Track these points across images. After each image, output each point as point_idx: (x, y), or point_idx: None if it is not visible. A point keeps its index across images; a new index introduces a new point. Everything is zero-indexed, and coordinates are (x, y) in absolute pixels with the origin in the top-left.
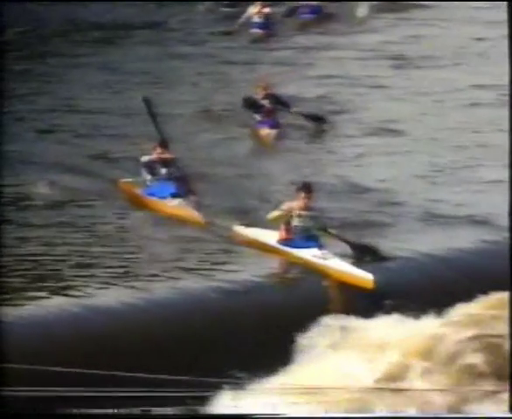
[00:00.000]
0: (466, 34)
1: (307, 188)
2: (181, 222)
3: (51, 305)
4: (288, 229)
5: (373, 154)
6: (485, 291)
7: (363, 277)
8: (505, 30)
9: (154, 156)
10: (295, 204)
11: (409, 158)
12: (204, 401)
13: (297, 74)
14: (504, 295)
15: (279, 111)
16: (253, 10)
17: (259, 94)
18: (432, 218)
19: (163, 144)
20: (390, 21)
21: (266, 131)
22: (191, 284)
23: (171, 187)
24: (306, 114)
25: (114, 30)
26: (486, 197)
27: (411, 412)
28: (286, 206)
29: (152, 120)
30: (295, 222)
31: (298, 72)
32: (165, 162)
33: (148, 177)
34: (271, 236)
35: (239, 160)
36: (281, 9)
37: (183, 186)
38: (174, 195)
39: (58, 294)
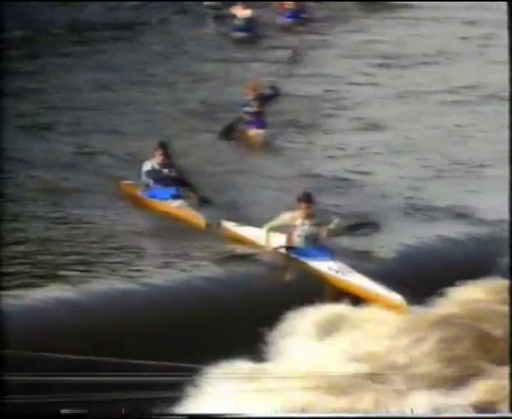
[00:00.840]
0: (451, 33)
1: (307, 197)
2: (182, 222)
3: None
4: (292, 237)
5: (361, 151)
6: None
7: (392, 299)
8: (488, 30)
9: (155, 160)
10: (297, 214)
11: (396, 154)
12: (187, 386)
13: (285, 72)
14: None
15: (268, 108)
16: (236, 12)
17: (248, 95)
18: (418, 211)
19: (163, 146)
20: (378, 21)
21: (254, 131)
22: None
23: (172, 188)
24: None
25: (98, 31)
26: (470, 193)
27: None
28: (287, 216)
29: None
30: (299, 231)
31: (286, 70)
32: (166, 164)
33: (151, 182)
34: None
35: (228, 157)
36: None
37: (184, 187)
38: (175, 197)
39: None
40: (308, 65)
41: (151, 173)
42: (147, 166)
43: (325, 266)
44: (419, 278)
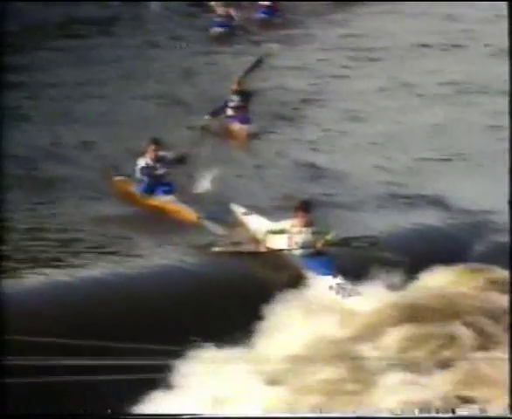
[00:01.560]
0: (430, 28)
1: (305, 206)
2: (174, 216)
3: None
4: (289, 244)
5: (336, 141)
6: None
7: None
8: (463, 26)
9: (148, 155)
10: (295, 222)
11: (369, 144)
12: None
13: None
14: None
15: (249, 107)
16: (215, 10)
17: (232, 90)
18: (392, 199)
19: (156, 142)
20: (350, 15)
21: (237, 126)
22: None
23: (164, 184)
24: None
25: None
26: (443, 181)
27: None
28: (287, 223)
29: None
30: (297, 238)
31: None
32: (158, 160)
33: (145, 178)
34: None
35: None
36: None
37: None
38: (167, 192)
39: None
40: (287, 58)
41: (145, 169)
42: (141, 162)
43: (326, 284)
44: (396, 263)
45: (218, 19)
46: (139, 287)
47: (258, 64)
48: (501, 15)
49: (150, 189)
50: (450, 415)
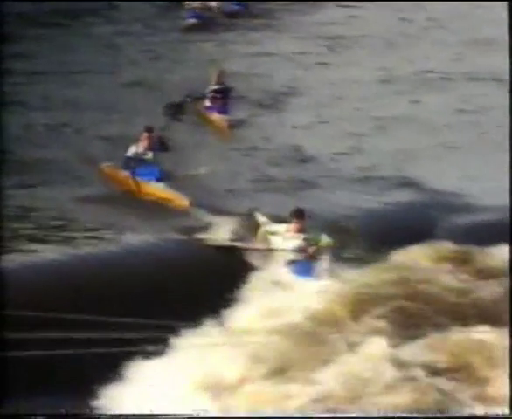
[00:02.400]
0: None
1: (299, 213)
2: (165, 203)
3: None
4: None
5: (315, 127)
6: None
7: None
8: (431, 14)
9: (141, 144)
10: (290, 227)
11: (341, 129)
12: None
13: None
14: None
15: (228, 99)
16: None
17: (212, 81)
18: (367, 181)
19: (149, 130)
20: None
21: (217, 116)
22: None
23: (156, 171)
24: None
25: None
26: (414, 163)
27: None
28: (282, 227)
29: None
30: (290, 243)
31: (239, 50)
32: (150, 147)
33: (135, 165)
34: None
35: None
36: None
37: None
38: (158, 179)
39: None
40: (257, 44)
41: (135, 156)
42: (132, 149)
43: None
44: (365, 241)
45: (193, 11)
46: (126, 265)
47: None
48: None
49: (141, 176)
50: (450, 415)
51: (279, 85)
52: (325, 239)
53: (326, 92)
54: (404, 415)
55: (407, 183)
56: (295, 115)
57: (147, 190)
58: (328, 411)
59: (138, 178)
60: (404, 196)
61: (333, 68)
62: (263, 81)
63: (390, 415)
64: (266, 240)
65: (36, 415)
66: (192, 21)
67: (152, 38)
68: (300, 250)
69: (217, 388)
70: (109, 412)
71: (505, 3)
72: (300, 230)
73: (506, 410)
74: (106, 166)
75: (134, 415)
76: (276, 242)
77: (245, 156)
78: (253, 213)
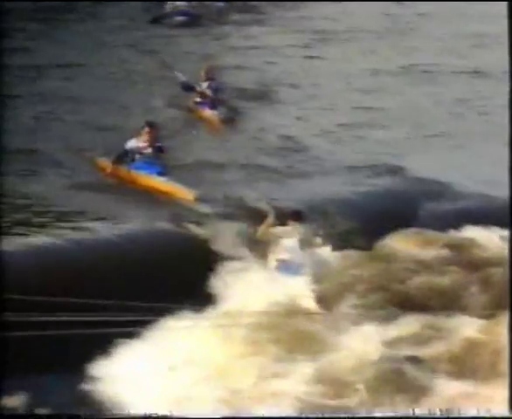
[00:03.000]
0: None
1: (296, 215)
2: (169, 197)
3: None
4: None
5: (301, 116)
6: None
7: None
8: (417, 10)
9: (141, 138)
10: (287, 229)
11: (330, 120)
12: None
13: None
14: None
15: (217, 95)
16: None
17: (201, 77)
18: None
19: (151, 125)
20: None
21: (208, 112)
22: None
23: (157, 165)
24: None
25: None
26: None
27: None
28: (279, 230)
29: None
30: (288, 243)
31: (229, 44)
32: (152, 143)
33: (136, 157)
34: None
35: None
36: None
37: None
38: (160, 174)
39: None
40: (247, 39)
41: (135, 150)
42: (131, 143)
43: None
44: (349, 228)
45: (180, 8)
46: (123, 249)
47: None
48: None
49: (140, 170)
50: (450, 415)
51: (269, 78)
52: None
53: (315, 83)
54: (405, 415)
55: (392, 172)
56: (285, 107)
57: (149, 183)
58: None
59: (138, 172)
60: (388, 184)
61: (321, 61)
62: (253, 74)
63: (389, 414)
64: (267, 235)
65: (36, 416)
66: (180, 19)
67: (141, 33)
68: (294, 250)
69: (200, 368)
70: (100, 391)
71: (505, 3)
72: (298, 232)
73: (506, 410)
74: (101, 160)
75: (134, 414)
76: (277, 237)
77: (236, 146)
78: (261, 202)
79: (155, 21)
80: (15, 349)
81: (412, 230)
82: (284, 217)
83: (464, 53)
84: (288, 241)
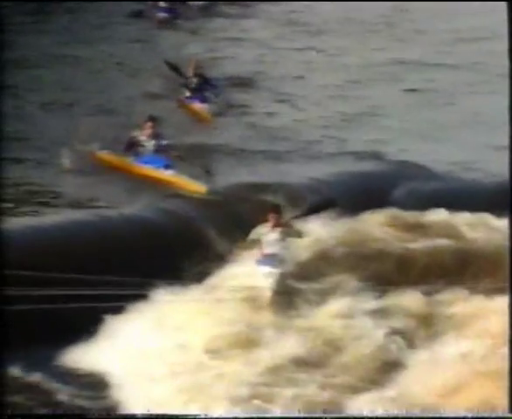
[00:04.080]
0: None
1: (277, 209)
2: (179, 190)
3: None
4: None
5: (286, 105)
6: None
7: None
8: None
9: (144, 132)
10: (268, 224)
11: (316, 105)
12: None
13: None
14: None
15: (206, 89)
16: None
17: (189, 72)
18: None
19: (153, 119)
20: None
21: (197, 106)
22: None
23: (162, 159)
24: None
25: None
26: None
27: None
28: (261, 229)
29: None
30: (269, 237)
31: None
32: (154, 137)
33: (140, 150)
34: None
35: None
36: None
37: (173, 157)
38: (167, 167)
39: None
40: (235, 32)
41: (137, 143)
42: (132, 137)
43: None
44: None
45: (163, 5)
46: (117, 229)
47: None
48: None
49: (150, 162)
50: (450, 415)
51: (255, 69)
52: (301, 233)
53: (300, 74)
54: (405, 415)
55: (375, 157)
56: (272, 95)
57: (160, 176)
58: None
59: (145, 166)
60: (369, 167)
61: (307, 52)
62: (238, 65)
63: (390, 414)
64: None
65: (37, 416)
66: (163, 15)
67: (129, 27)
68: (275, 243)
69: (192, 343)
70: (96, 369)
71: (505, 3)
72: (278, 225)
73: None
74: (102, 153)
75: (134, 415)
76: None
77: (225, 133)
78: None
79: (136, 15)
80: (17, 322)
81: (386, 208)
82: (266, 211)
83: (446, 48)
84: (269, 235)
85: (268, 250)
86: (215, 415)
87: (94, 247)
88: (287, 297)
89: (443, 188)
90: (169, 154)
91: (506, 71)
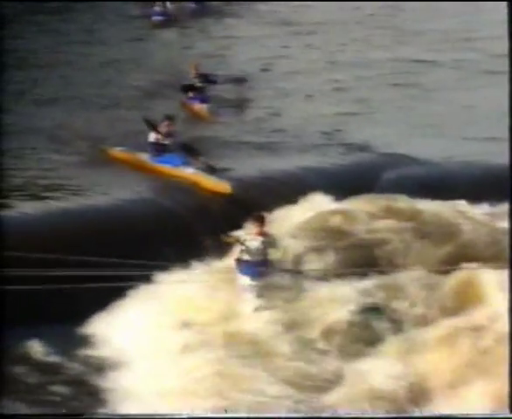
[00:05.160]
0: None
1: (260, 218)
2: (200, 188)
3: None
4: (243, 250)
5: (278, 100)
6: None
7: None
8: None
9: (161, 130)
10: (251, 231)
11: (307, 102)
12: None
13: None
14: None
15: (208, 87)
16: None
17: (190, 73)
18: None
19: (169, 118)
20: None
21: (198, 106)
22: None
23: (180, 156)
24: (230, 78)
25: None
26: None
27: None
28: (243, 232)
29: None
30: (250, 244)
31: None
32: (171, 134)
33: (156, 150)
34: None
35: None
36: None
37: (192, 155)
38: (185, 164)
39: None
40: (223, 30)
41: (156, 142)
42: (152, 136)
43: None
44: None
45: (158, 9)
46: (113, 215)
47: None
48: None
49: (168, 161)
50: (449, 414)
51: (249, 66)
52: (282, 248)
53: (290, 70)
54: (402, 415)
55: (361, 148)
56: (266, 91)
57: (179, 174)
58: None
59: (164, 165)
60: (356, 158)
61: (295, 50)
62: (233, 62)
63: (390, 414)
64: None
65: (37, 416)
66: (158, 18)
67: (127, 26)
68: (257, 251)
69: (198, 322)
70: (102, 356)
71: (505, 2)
72: (260, 234)
73: (506, 410)
74: (116, 150)
75: (134, 415)
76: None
77: (223, 126)
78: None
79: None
80: (27, 301)
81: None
82: (251, 219)
83: (423, 46)
84: (252, 242)
85: (249, 257)
86: (215, 415)
87: (101, 232)
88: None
89: (426, 175)
90: (187, 153)
91: (488, 67)
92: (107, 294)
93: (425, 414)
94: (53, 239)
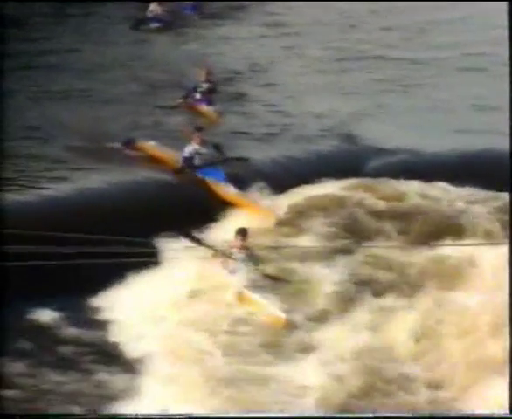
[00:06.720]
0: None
1: (243, 232)
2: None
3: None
4: (226, 261)
5: (275, 95)
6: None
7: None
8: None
9: (194, 142)
10: (233, 244)
11: (302, 98)
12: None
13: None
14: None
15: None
16: (153, 8)
17: (201, 77)
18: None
19: (200, 129)
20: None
21: (204, 108)
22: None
23: (220, 170)
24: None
25: None
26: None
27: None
28: (227, 245)
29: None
30: (234, 256)
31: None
32: (203, 145)
33: (196, 162)
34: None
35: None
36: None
37: (221, 153)
38: (225, 180)
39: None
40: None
41: (194, 153)
42: (188, 149)
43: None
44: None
45: (155, 15)
46: (112, 196)
47: None
48: None
49: (210, 174)
50: (450, 414)
51: (245, 65)
52: (261, 266)
53: (287, 68)
54: (403, 415)
55: (346, 138)
56: (262, 88)
57: (228, 197)
58: None
59: (206, 177)
60: (341, 147)
61: (290, 48)
62: (230, 61)
63: (390, 414)
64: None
65: (37, 416)
66: (155, 25)
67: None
68: (239, 265)
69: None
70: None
71: (505, 2)
72: (243, 247)
73: (506, 410)
74: (150, 145)
75: (135, 415)
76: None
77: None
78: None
79: (135, 27)
80: (45, 275)
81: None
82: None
83: (402, 44)
84: (235, 255)
85: (232, 269)
86: (215, 415)
87: (111, 210)
88: None
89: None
90: (217, 151)
91: (463, 65)
92: (116, 270)
93: (426, 414)
94: (68, 219)
